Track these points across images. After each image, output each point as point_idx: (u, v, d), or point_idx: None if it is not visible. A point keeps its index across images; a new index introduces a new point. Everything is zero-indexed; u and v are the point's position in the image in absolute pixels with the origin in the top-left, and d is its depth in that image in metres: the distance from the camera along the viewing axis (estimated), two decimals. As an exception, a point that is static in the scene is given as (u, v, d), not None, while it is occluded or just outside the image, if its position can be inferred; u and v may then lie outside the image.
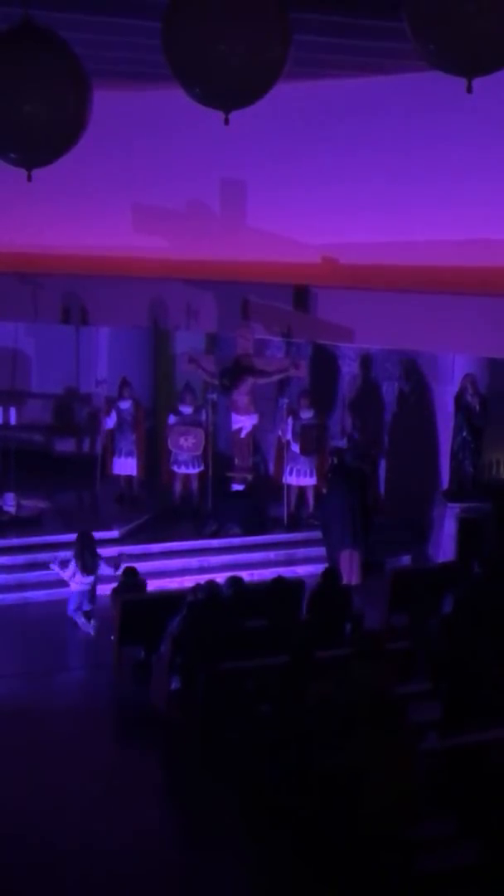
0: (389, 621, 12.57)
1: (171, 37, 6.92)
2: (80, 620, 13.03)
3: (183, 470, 16.39)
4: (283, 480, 16.14)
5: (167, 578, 14.23)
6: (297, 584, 12.42)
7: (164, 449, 16.50)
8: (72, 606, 13.07)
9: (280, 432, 16.24)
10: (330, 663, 9.87)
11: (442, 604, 12.07)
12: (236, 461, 16.22)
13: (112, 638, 12.07)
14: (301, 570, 14.36)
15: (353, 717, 8.25)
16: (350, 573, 14.21)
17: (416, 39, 6.80)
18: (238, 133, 8.46)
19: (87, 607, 13.08)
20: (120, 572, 12.68)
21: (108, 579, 13.13)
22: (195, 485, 16.47)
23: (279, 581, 12.19)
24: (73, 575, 12.91)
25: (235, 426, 16.14)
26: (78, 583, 12.97)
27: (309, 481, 16.11)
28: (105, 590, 12.94)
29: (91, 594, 13.09)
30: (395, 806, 7.67)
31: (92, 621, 13.01)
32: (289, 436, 15.95)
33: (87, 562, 12.89)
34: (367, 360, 17.32)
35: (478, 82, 6.88)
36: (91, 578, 13.01)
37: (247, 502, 15.95)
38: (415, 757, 8.02)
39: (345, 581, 13.19)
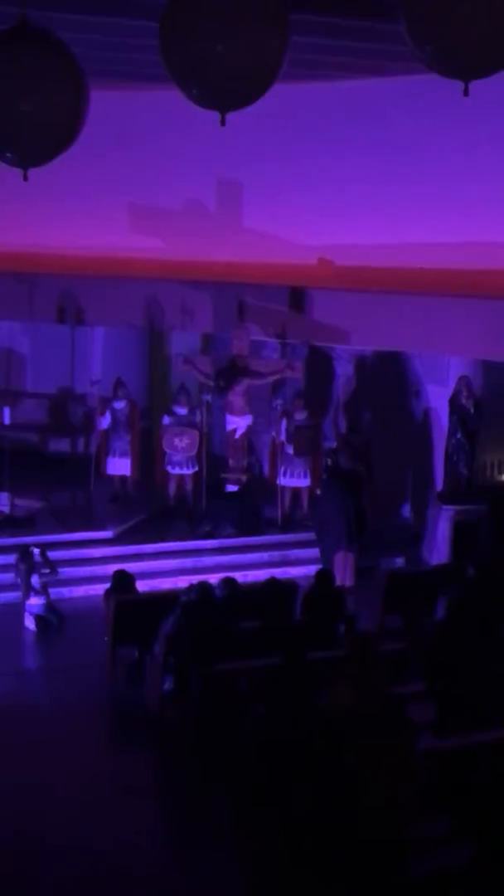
0: (383, 623, 12.58)
1: (169, 37, 6.92)
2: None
3: (177, 470, 16.39)
4: (278, 482, 16.16)
5: (161, 579, 14.24)
6: (290, 586, 12.41)
7: (159, 449, 16.50)
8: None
9: (274, 433, 16.26)
10: (323, 665, 9.87)
11: (436, 606, 12.08)
12: (231, 462, 16.23)
13: (106, 638, 12.07)
14: (295, 572, 14.34)
15: (353, 718, 8.25)
16: (344, 575, 14.22)
17: (412, 42, 6.81)
18: (234, 134, 8.47)
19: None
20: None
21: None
22: (189, 485, 16.48)
23: (273, 582, 12.19)
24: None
25: (230, 427, 16.15)
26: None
27: (303, 483, 16.13)
28: (98, 590, 12.99)
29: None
30: (394, 808, 7.67)
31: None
32: (283, 437, 15.97)
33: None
34: (361, 362, 17.33)
35: (475, 85, 6.90)
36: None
37: (241, 503, 15.95)
38: (414, 758, 8.02)
39: (338, 582, 13.20)
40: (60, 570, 13.82)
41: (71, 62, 7.34)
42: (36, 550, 13.63)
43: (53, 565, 13.54)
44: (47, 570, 13.44)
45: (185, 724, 10.66)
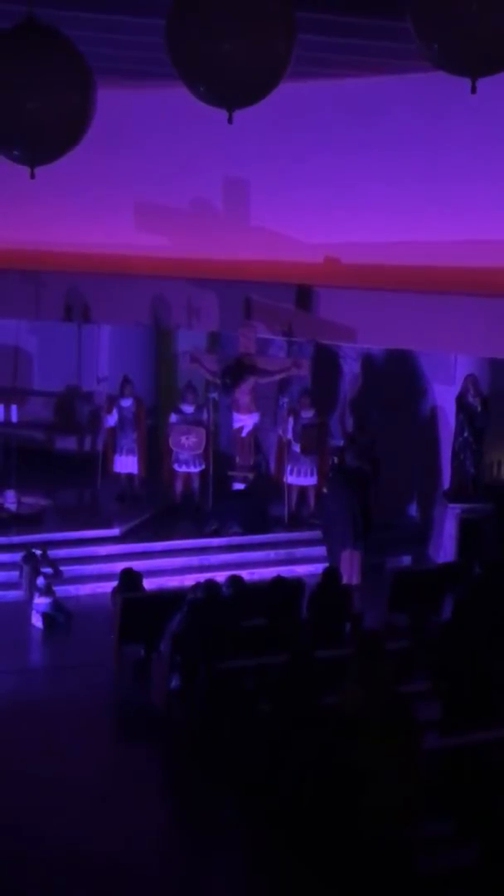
0: (389, 621, 12.57)
1: (176, 35, 6.92)
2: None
3: (184, 468, 16.40)
4: (284, 480, 16.15)
5: (167, 577, 14.24)
6: (296, 584, 12.42)
7: (166, 447, 16.50)
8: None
9: (281, 432, 16.26)
10: (330, 663, 9.86)
11: (442, 604, 12.08)
12: (237, 460, 16.22)
13: (112, 636, 12.08)
14: (301, 570, 14.34)
15: (360, 716, 8.25)
16: (350, 573, 14.20)
17: (419, 39, 6.81)
18: (241, 132, 8.47)
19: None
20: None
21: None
22: (196, 483, 16.48)
23: (279, 580, 12.19)
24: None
25: (237, 425, 16.14)
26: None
27: (310, 481, 16.11)
28: (105, 588, 13.00)
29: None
30: (399, 806, 7.67)
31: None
32: (289, 435, 15.96)
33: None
34: (368, 360, 17.32)
35: (481, 82, 6.89)
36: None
37: (247, 501, 15.95)
38: (420, 757, 8.02)
39: (345, 581, 13.19)
40: (67, 567, 13.84)
41: (78, 60, 7.35)
42: (38, 552, 13.64)
43: (56, 566, 13.55)
44: (50, 571, 13.44)
45: (191, 721, 10.67)
